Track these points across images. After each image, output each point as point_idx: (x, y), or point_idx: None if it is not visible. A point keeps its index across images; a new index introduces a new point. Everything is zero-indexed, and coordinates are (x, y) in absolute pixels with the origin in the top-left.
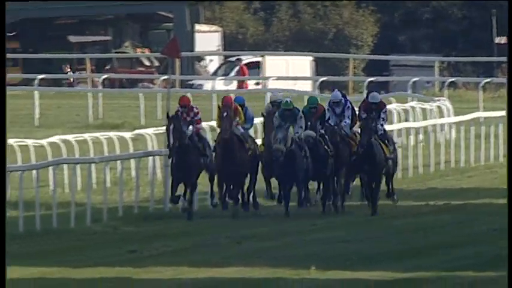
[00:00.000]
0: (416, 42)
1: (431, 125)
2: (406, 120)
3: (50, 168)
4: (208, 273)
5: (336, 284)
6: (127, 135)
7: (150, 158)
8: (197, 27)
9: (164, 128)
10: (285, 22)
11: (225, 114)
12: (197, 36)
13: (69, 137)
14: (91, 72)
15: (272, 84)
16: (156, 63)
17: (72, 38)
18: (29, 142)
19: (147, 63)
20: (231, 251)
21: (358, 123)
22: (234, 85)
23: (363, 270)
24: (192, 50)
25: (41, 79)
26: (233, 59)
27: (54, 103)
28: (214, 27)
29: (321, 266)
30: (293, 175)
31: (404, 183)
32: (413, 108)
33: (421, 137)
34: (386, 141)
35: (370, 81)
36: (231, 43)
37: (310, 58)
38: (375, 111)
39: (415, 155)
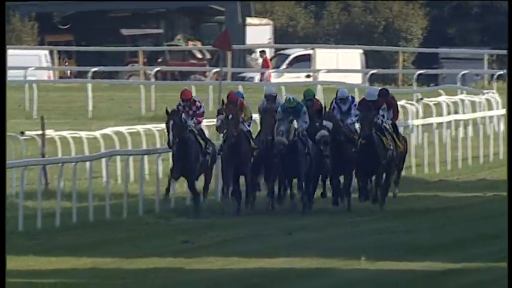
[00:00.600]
0: (465, 35)
1: (480, 117)
2: (456, 112)
3: (103, 159)
4: (259, 263)
5: (386, 274)
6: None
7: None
8: (248, 20)
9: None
10: (335, 15)
11: (230, 116)
12: (248, 29)
13: (122, 129)
14: (143, 65)
15: (322, 77)
16: (208, 56)
17: (125, 31)
18: (83, 134)
19: (199, 55)
20: (281, 242)
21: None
22: (285, 77)
23: (412, 261)
24: (243, 43)
25: (94, 72)
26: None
27: (107, 95)
28: (265, 21)
29: (371, 256)
30: (294, 169)
31: (454, 174)
32: (462, 100)
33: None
34: (386, 134)
35: (420, 74)
36: (281, 36)
37: (360, 51)
38: (374, 109)
39: (464, 147)
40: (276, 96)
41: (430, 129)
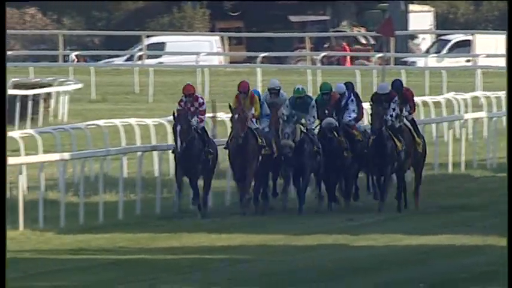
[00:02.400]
0: None
1: None
2: None
3: None
4: (419, 240)
5: None
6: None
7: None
8: (410, 7)
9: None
10: (494, 2)
11: (236, 116)
12: (410, 16)
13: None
14: (310, 50)
15: (482, 62)
16: (372, 42)
17: (293, 18)
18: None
19: (363, 41)
20: (440, 220)
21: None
22: (445, 62)
23: None
24: (405, 29)
25: (263, 57)
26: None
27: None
28: (426, 7)
29: None
30: (301, 169)
31: None
32: None
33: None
34: (398, 135)
35: None
36: (442, 22)
37: None
38: (385, 102)
39: None
40: (279, 89)
41: None
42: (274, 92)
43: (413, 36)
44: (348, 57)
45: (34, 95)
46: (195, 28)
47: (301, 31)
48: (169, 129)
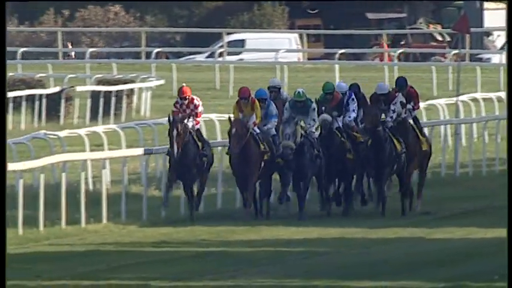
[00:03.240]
0: None
1: None
2: None
3: None
4: (494, 233)
5: None
6: (421, 105)
7: (442, 126)
8: (486, 5)
9: None
10: None
11: (234, 130)
12: (486, 13)
13: None
14: (387, 47)
15: None
16: (448, 39)
17: (370, 15)
18: None
19: (439, 38)
20: None
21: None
22: None
23: None
24: (481, 26)
25: (341, 53)
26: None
27: (353, 76)
28: (501, 5)
29: None
30: (301, 173)
31: None
32: None
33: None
34: (398, 137)
35: None
36: None
37: None
38: (384, 102)
39: None
40: (280, 88)
41: None
42: (274, 90)
43: (488, 33)
44: (386, 54)
45: (117, 91)
46: (274, 25)
47: (379, 28)
48: None
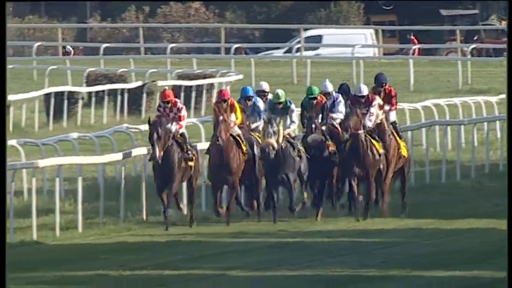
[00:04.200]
0: None
1: None
2: None
3: (423, 129)
4: None
5: None
6: (493, 99)
7: (497, 121)
8: None
9: None
10: None
11: (220, 118)
12: None
13: (440, 101)
14: (460, 42)
15: None
16: None
17: (444, 12)
18: (404, 105)
19: None
20: None
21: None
22: None
23: None
24: None
25: (415, 49)
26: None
27: (427, 70)
28: None
29: None
30: (282, 176)
31: None
32: None
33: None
34: (377, 137)
35: None
36: None
37: None
38: (363, 105)
39: None
40: (268, 92)
41: None
42: (262, 94)
43: None
44: (417, 49)
45: (197, 85)
46: (350, 22)
47: (452, 24)
48: None
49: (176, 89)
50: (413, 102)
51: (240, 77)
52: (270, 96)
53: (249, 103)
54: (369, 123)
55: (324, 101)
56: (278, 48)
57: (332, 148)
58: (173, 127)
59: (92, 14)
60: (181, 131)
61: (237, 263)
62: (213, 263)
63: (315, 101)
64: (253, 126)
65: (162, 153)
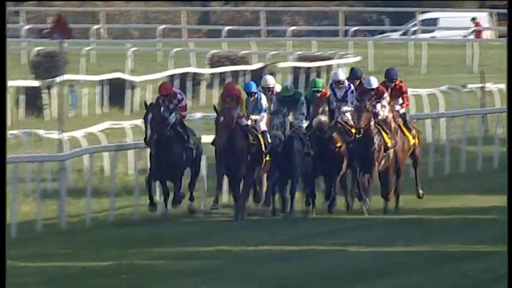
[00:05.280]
0: None
1: None
2: None
3: None
4: None
5: None
6: None
7: None
8: None
9: None
10: None
11: (222, 119)
12: None
13: None
14: None
15: None
16: None
17: None
18: (501, 86)
19: None
20: None
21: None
22: None
23: None
24: None
25: None
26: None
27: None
28: None
29: None
30: (288, 170)
31: None
32: None
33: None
34: (387, 130)
35: None
36: None
37: None
38: (373, 98)
39: None
40: (273, 87)
41: None
42: (267, 90)
43: None
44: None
45: (317, 67)
46: (465, 5)
47: None
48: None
49: (296, 71)
50: None
51: (358, 58)
52: (278, 88)
53: (252, 99)
54: (381, 113)
55: (328, 94)
56: (395, 30)
57: (339, 144)
58: (172, 119)
59: None
60: (181, 121)
61: (354, 239)
62: (332, 239)
63: (318, 94)
64: (253, 117)
65: (155, 136)
